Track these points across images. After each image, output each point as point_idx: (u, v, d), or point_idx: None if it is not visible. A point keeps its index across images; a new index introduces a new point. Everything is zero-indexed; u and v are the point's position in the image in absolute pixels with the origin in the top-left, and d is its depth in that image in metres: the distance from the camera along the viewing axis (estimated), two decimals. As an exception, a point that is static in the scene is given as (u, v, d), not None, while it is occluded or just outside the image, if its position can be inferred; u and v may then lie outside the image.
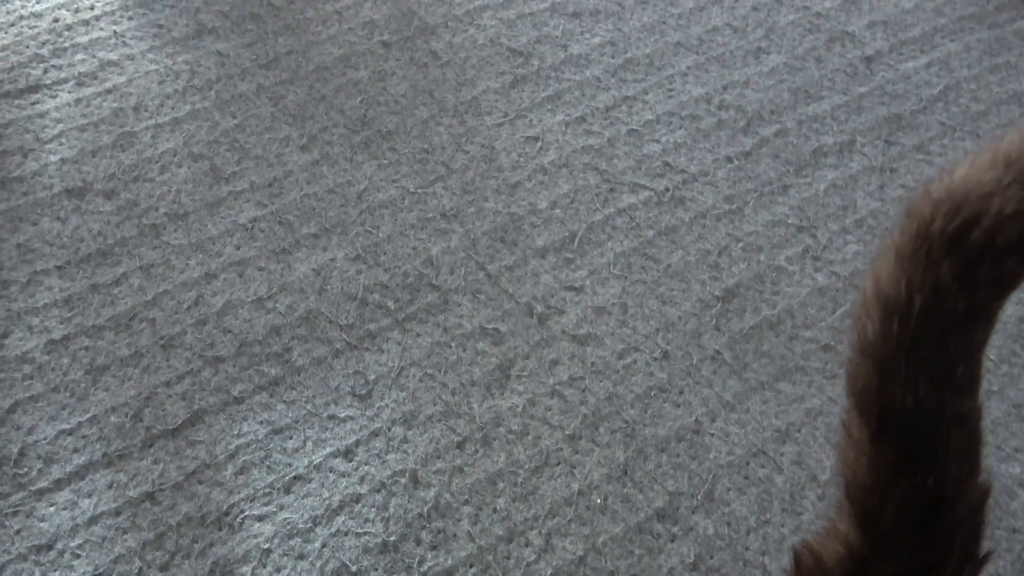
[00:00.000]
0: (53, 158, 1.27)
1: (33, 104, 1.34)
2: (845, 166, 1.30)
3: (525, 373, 1.05)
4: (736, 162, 1.30)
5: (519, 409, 1.01)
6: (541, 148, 1.31)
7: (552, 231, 1.20)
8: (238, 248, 1.16)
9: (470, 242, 1.18)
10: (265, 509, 0.93)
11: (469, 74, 1.42)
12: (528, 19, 1.52)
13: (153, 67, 1.40)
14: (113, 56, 1.42)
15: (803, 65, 1.46)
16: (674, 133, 1.34)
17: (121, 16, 1.48)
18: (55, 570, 0.89)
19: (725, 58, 1.46)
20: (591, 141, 1.32)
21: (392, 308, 1.10)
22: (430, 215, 1.21)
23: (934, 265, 0.33)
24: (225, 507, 0.93)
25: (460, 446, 0.98)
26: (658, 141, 1.32)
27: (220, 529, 0.91)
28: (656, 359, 1.06)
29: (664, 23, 1.52)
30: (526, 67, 1.43)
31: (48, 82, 1.37)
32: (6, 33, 1.45)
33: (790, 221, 1.22)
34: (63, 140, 1.29)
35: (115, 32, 1.45)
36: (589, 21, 1.52)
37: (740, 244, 1.19)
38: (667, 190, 1.26)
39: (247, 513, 0.92)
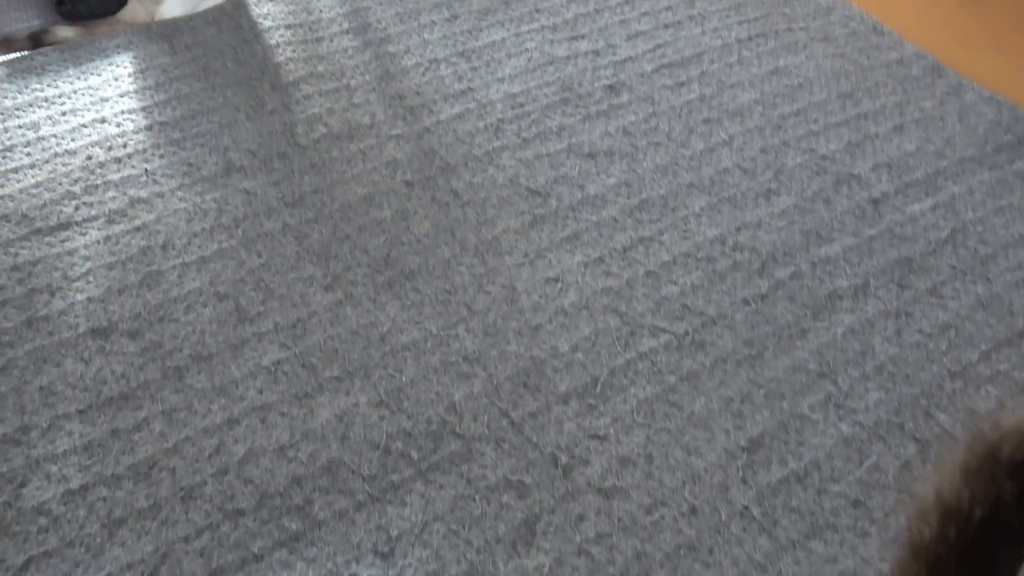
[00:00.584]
0: (80, 296, 1.28)
1: (63, 241, 1.37)
2: (861, 310, 1.32)
3: (551, 529, 1.03)
4: (753, 305, 1.32)
5: (546, 570, 0.99)
6: (561, 289, 1.33)
7: (574, 376, 1.20)
8: (261, 392, 1.16)
9: (493, 387, 1.18)
10: None
11: (489, 213, 1.46)
12: (545, 159, 1.57)
13: (182, 205, 1.44)
14: (143, 194, 1.46)
15: (812, 207, 1.50)
16: (691, 275, 1.36)
17: (153, 154, 1.53)
18: None
19: (737, 199, 1.51)
20: (610, 283, 1.35)
21: (415, 458, 1.09)
22: (453, 359, 1.22)
23: (998, 484, 0.40)
24: None
25: (486, 612, 0.95)
26: (676, 283, 1.35)
27: None
28: (684, 514, 1.04)
29: (676, 164, 1.58)
30: (544, 207, 1.48)
31: (79, 219, 1.41)
32: (40, 170, 1.49)
33: (810, 367, 1.23)
34: (91, 278, 1.31)
35: (146, 170, 1.50)
36: (604, 162, 1.58)
37: (762, 391, 1.19)
38: (687, 333, 1.27)
39: None
